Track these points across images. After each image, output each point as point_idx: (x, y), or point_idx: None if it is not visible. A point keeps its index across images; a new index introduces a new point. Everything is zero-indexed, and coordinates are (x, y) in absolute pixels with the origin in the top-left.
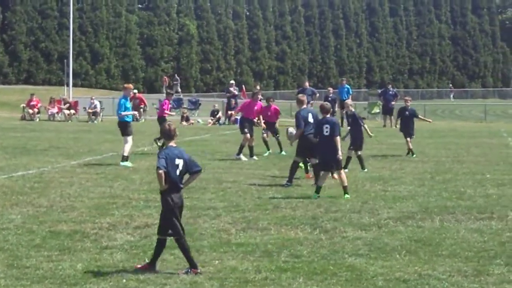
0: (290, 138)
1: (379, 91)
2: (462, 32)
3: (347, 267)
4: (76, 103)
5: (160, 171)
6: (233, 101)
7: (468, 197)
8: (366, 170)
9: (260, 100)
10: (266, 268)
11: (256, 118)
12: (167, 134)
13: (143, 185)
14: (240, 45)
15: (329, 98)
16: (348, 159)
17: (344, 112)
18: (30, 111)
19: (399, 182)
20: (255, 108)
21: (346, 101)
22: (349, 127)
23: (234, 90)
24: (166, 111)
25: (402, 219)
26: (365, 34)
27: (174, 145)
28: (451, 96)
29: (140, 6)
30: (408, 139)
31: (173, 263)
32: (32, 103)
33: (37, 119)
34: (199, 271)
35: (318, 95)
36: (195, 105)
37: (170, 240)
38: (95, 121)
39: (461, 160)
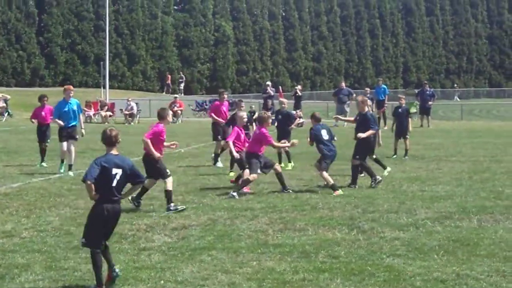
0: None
1: (416, 91)
2: (499, 31)
3: (385, 268)
4: (112, 105)
5: (89, 182)
6: (269, 101)
7: (506, 196)
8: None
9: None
10: (303, 269)
11: None
12: (108, 140)
13: (180, 187)
14: (276, 46)
15: None
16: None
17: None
18: None
19: (436, 182)
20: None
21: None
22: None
23: (270, 90)
24: None
25: (440, 219)
26: (401, 34)
27: (116, 152)
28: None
29: (176, 7)
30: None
31: (210, 264)
32: None
33: None
34: None
35: (354, 95)
36: (232, 106)
37: (207, 242)
38: (132, 123)
39: (499, 159)
